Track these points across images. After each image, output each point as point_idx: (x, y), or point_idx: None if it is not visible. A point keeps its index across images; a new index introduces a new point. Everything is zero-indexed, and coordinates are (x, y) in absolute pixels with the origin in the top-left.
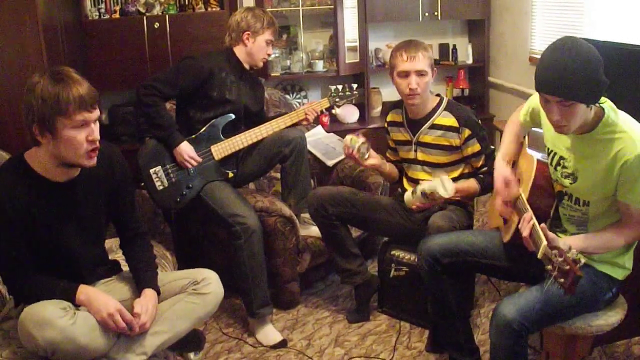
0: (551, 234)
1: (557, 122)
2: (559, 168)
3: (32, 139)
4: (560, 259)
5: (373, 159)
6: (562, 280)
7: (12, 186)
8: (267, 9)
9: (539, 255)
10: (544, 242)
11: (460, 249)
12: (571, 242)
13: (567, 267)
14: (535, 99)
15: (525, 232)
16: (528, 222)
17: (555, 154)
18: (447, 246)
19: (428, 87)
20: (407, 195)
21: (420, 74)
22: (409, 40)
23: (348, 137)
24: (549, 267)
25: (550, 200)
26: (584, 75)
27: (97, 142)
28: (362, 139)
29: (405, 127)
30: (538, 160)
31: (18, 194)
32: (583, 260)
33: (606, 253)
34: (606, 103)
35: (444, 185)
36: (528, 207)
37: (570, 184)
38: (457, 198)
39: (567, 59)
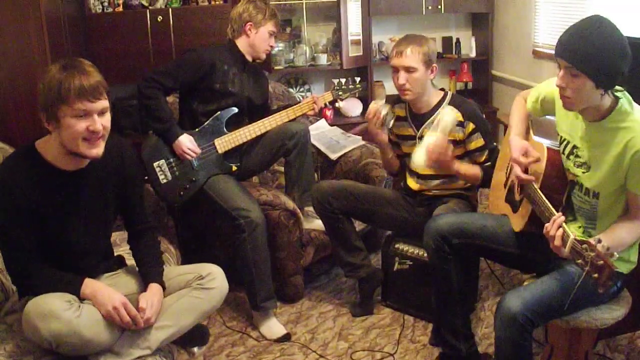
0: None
1: (562, 92)
2: (572, 157)
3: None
4: (592, 254)
5: (386, 135)
6: (596, 275)
7: (21, 173)
8: (271, 2)
9: (567, 250)
10: (572, 236)
11: (471, 231)
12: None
13: (601, 261)
14: (547, 87)
15: (553, 231)
16: (557, 222)
17: (568, 142)
18: (457, 226)
19: (421, 84)
20: (417, 155)
21: (408, 70)
22: (407, 35)
23: (376, 102)
24: (580, 261)
25: (562, 188)
26: (599, 51)
27: (99, 133)
28: (389, 108)
29: (409, 122)
30: (548, 148)
31: (26, 181)
32: (616, 255)
33: None
34: (624, 95)
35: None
36: (542, 195)
37: (583, 173)
38: (457, 176)
39: (589, 29)
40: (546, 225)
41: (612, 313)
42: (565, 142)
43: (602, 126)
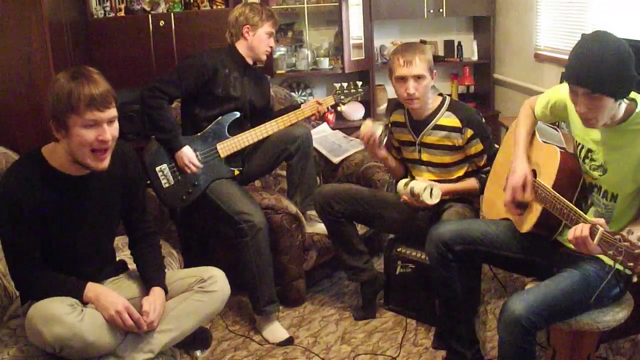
0: (601, 220)
1: (584, 115)
2: (587, 161)
3: (52, 133)
4: (626, 244)
5: (384, 149)
6: (631, 264)
7: (27, 179)
8: (273, 6)
9: (595, 241)
10: (601, 229)
11: (473, 237)
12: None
13: (637, 250)
14: (557, 93)
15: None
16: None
17: (583, 146)
18: (459, 233)
19: (428, 90)
20: (400, 185)
21: (418, 78)
22: (407, 43)
23: (368, 121)
24: (611, 252)
25: (572, 191)
26: (612, 68)
27: (108, 143)
28: (382, 126)
29: (409, 128)
30: (562, 152)
31: (33, 187)
32: None
33: None
34: (637, 96)
35: (431, 192)
36: (556, 193)
37: (600, 175)
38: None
39: (597, 50)
40: (575, 227)
41: (614, 316)
42: (580, 146)
43: (620, 129)
